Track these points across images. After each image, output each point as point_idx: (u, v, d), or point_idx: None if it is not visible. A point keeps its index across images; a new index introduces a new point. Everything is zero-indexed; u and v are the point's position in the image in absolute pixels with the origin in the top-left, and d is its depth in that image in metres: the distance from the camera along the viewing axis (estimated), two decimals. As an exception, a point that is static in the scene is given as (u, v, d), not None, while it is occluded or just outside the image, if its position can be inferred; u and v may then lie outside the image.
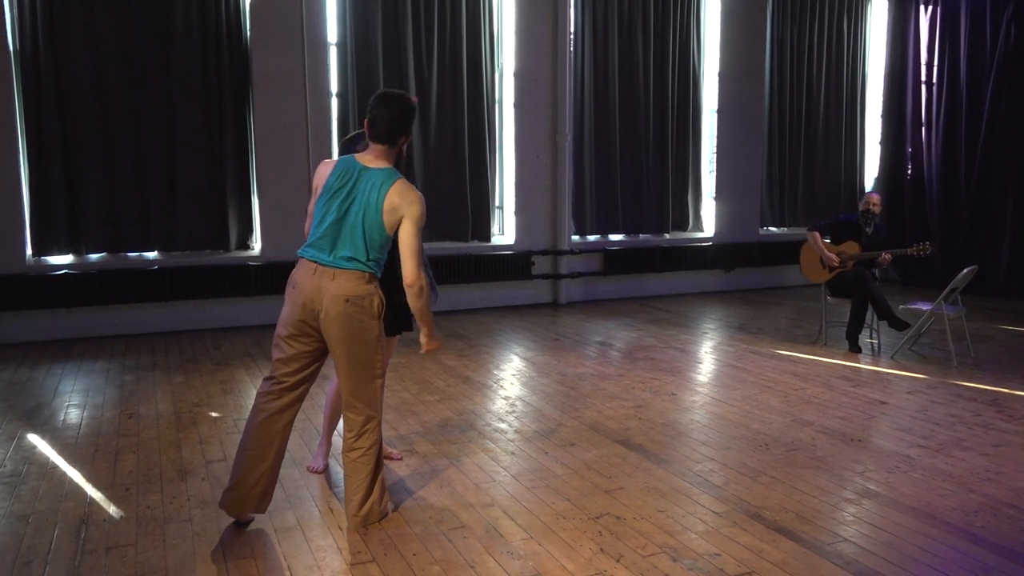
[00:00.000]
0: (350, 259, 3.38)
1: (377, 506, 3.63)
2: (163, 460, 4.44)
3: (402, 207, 3.37)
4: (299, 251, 3.52)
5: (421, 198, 3.43)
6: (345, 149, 3.99)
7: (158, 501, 3.91)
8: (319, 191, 3.51)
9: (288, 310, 3.48)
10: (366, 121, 3.50)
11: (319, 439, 4.46)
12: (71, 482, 4.15)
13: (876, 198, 7.19)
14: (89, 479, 4.19)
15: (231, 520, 3.68)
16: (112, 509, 3.82)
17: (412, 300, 3.45)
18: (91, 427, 5.02)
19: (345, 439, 3.60)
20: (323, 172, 3.56)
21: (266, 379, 3.59)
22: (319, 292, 3.38)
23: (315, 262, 3.41)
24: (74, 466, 4.37)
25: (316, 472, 4.26)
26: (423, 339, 3.62)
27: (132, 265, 7.69)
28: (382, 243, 3.44)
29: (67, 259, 7.55)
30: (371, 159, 3.48)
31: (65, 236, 7.49)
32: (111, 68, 7.44)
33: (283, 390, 3.54)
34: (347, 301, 3.36)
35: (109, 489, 4.06)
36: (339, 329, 3.38)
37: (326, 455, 4.35)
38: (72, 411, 5.38)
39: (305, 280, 3.42)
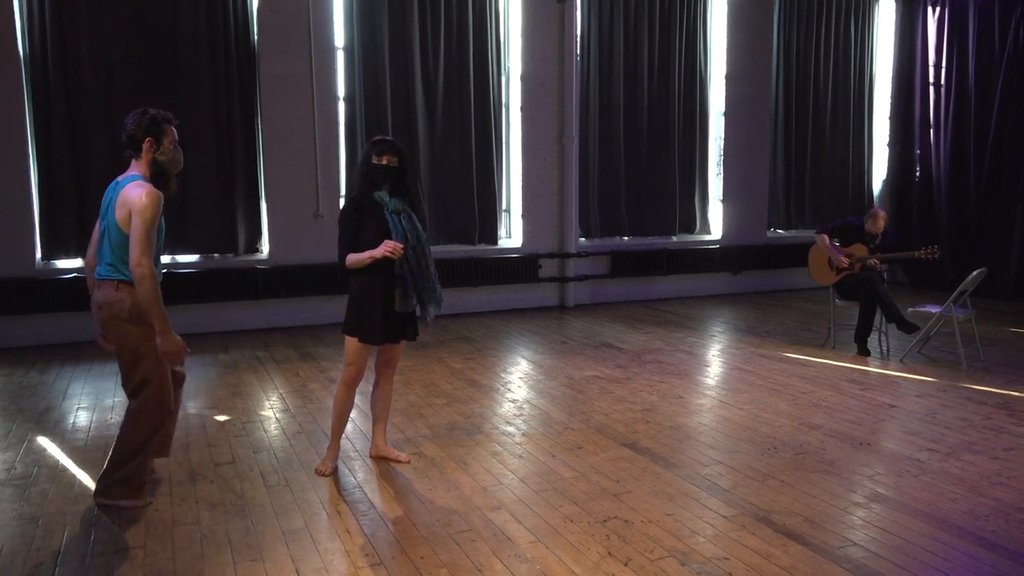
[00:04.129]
0: (107, 266, 3.74)
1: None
2: (171, 463, 4.45)
3: (129, 201, 3.60)
4: None
5: (150, 192, 3.62)
6: (368, 152, 4.10)
7: (167, 503, 3.92)
8: None
9: None
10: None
11: (327, 443, 4.47)
12: (80, 484, 4.17)
13: (882, 222, 7.06)
14: (99, 481, 4.20)
15: (240, 523, 3.69)
16: (121, 511, 3.83)
17: (136, 286, 3.63)
18: (100, 430, 5.04)
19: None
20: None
21: None
22: (94, 301, 3.82)
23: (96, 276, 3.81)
24: (84, 469, 4.39)
25: (325, 475, 4.26)
26: (158, 339, 3.69)
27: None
28: (123, 243, 3.66)
29: (76, 263, 7.58)
30: (125, 174, 3.77)
31: (74, 240, 7.53)
32: (119, 73, 7.49)
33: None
34: (100, 308, 3.76)
35: (118, 492, 4.07)
36: (104, 330, 3.82)
37: (335, 459, 4.36)
38: (81, 414, 5.40)
39: (93, 294, 3.86)
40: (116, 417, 5.28)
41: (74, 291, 7.43)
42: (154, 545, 3.49)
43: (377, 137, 4.21)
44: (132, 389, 3.80)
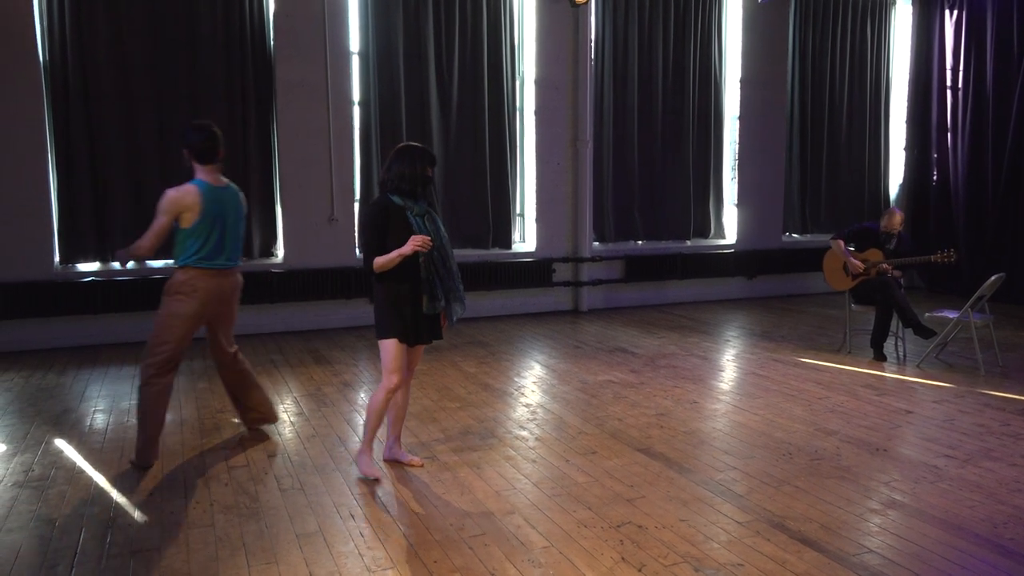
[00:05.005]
0: (237, 258, 4.66)
1: None
2: (187, 466, 4.49)
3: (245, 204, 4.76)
4: (191, 262, 4.39)
5: None
6: (400, 155, 4.14)
7: (181, 506, 3.94)
8: (187, 216, 4.33)
9: (194, 307, 4.42)
10: (189, 148, 4.44)
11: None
12: (97, 487, 4.21)
13: (898, 220, 7.05)
14: (114, 484, 4.24)
15: (254, 526, 3.71)
16: (137, 514, 3.87)
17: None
18: (117, 432, 5.08)
19: (229, 351, 4.81)
20: (186, 201, 4.33)
21: (161, 364, 4.42)
22: (220, 288, 4.52)
23: (214, 268, 4.46)
24: (100, 471, 4.43)
25: (377, 478, 4.27)
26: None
27: (157, 272, 7.79)
28: None
29: (94, 266, 7.66)
30: (216, 178, 4.52)
31: (92, 244, 7.60)
32: (137, 79, 7.56)
33: (174, 367, 4.55)
34: (239, 287, 4.75)
35: (134, 494, 4.11)
36: (235, 305, 4.74)
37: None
38: (98, 416, 5.44)
39: (208, 282, 4.45)
40: (132, 419, 5.31)
41: (92, 294, 7.50)
42: (169, 547, 3.51)
43: (419, 146, 4.23)
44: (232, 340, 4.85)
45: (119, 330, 7.66)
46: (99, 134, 7.51)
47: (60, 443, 4.89)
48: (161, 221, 4.31)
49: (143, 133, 7.64)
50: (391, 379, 4.17)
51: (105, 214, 7.60)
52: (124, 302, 7.60)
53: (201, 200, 4.33)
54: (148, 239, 4.30)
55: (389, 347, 4.15)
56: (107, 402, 5.76)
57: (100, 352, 7.31)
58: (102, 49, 7.43)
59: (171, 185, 7.96)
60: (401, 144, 4.28)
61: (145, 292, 7.66)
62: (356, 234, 8.49)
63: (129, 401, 5.75)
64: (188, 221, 4.32)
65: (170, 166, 7.77)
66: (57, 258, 7.54)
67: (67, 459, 4.61)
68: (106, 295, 7.54)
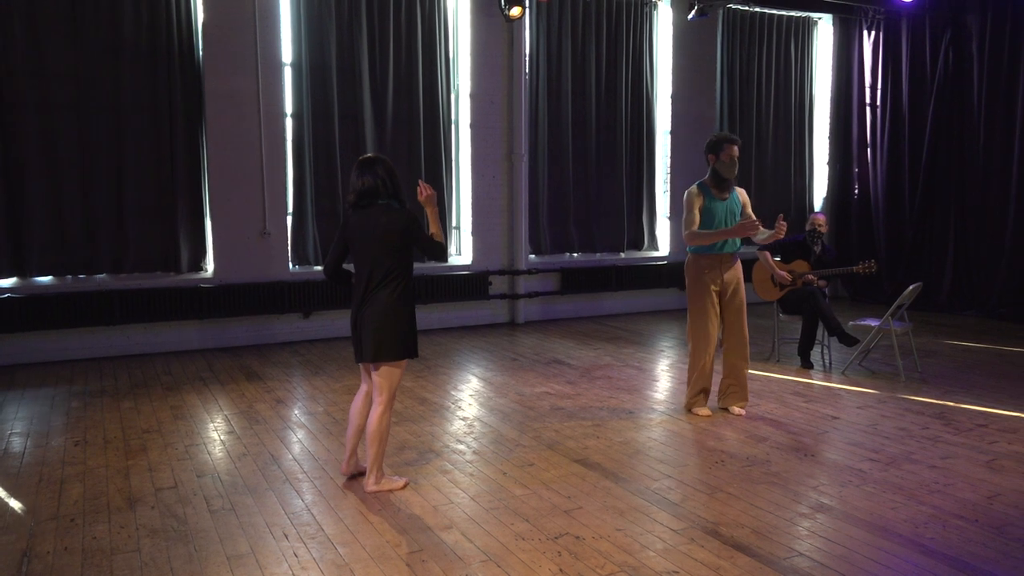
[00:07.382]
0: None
1: None
2: (111, 489, 4.31)
3: None
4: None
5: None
6: (381, 161, 4.18)
7: (105, 531, 3.79)
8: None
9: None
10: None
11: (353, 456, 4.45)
12: (13, 513, 4.01)
13: (821, 218, 7.40)
14: (32, 510, 4.04)
15: (182, 549, 3.58)
16: (56, 541, 3.69)
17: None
18: (35, 456, 4.86)
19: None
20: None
21: None
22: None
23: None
24: (16, 497, 4.22)
25: (404, 486, 4.31)
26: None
27: (79, 288, 7.50)
28: None
29: (10, 282, 7.33)
30: None
31: (8, 259, 7.28)
32: (57, 87, 7.30)
33: None
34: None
35: (53, 520, 3.92)
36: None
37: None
38: (15, 439, 5.19)
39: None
40: (52, 442, 5.10)
41: (8, 312, 7.17)
42: (92, 575, 3.37)
43: (370, 156, 4.27)
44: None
45: (38, 349, 7.34)
46: (15, 144, 7.21)
47: (-28, 469, 4.65)
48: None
49: (63, 143, 7.37)
50: (394, 398, 4.27)
51: (22, 228, 7.30)
52: (42, 320, 7.29)
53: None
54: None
55: (402, 367, 4.24)
56: (24, 424, 5.51)
57: (17, 372, 6.99)
58: (19, 55, 7.15)
59: (93, 199, 7.72)
60: (368, 155, 4.27)
61: (67, 308, 7.37)
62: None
63: (48, 423, 5.51)
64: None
65: (92, 177, 7.52)
66: (-30, 274, 7.20)
67: (-20, 485, 4.39)
68: (23, 312, 7.22)
